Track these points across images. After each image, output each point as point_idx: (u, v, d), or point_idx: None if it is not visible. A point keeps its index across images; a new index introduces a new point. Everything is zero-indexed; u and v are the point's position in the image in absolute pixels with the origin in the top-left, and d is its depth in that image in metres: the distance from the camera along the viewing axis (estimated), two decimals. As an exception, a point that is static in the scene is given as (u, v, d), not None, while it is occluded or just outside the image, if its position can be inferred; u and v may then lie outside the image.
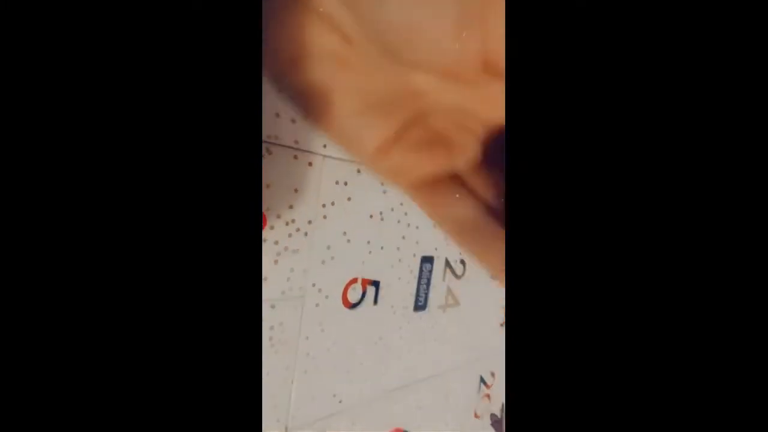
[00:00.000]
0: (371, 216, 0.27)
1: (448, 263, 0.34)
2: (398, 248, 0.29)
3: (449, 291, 0.34)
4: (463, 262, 0.35)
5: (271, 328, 0.23)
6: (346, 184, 0.25)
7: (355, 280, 0.27)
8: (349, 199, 0.25)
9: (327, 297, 0.25)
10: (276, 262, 0.22)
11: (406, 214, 0.29)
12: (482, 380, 0.42)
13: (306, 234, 0.23)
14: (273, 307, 0.22)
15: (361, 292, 0.27)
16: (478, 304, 0.37)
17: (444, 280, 0.33)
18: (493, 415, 0.45)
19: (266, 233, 0.22)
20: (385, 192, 0.28)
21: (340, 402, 0.27)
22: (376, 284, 0.28)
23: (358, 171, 0.26)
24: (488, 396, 0.43)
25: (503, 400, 0.45)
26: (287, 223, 0.22)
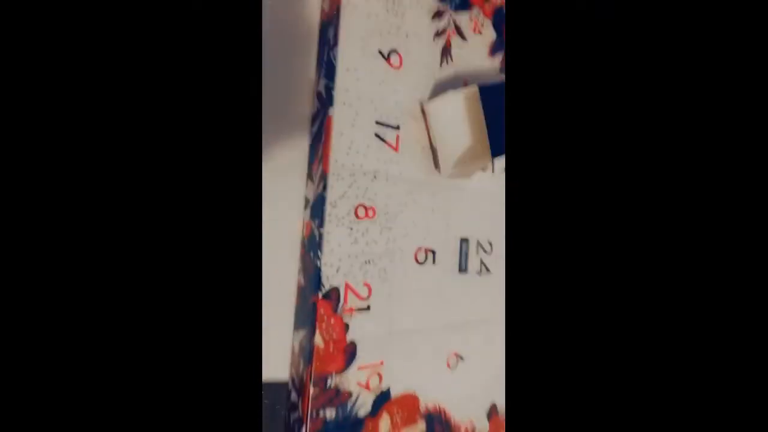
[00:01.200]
0: (431, 211, 0.46)
1: (479, 244, 0.51)
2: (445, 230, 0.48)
3: (482, 262, 0.52)
4: (490, 243, 0.52)
5: (383, 270, 0.42)
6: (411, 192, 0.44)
7: (420, 248, 0.45)
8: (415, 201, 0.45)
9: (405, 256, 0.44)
10: (381, 232, 0.42)
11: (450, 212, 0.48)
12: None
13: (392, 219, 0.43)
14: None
15: (424, 257, 0.46)
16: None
17: (477, 254, 0.51)
18: None
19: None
20: (434, 195, 0.47)
21: (421, 321, 0.45)
22: (434, 252, 0.46)
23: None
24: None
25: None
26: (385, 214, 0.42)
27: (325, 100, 0.40)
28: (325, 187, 0.38)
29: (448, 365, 0.48)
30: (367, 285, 0.41)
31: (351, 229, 0.40)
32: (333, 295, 0.39)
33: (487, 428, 0.52)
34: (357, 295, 0.40)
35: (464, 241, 0.50)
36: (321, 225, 0.38)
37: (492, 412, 0.54)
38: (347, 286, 0.39)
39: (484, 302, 0.52)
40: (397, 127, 0.43)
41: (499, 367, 0.54)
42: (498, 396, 0.54)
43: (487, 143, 0.44)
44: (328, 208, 0.38)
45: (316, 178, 0.40)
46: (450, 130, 0.45)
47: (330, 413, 0.38)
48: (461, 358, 0.50)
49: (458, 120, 0.44)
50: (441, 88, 0.47)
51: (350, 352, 0.40)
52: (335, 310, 0.39)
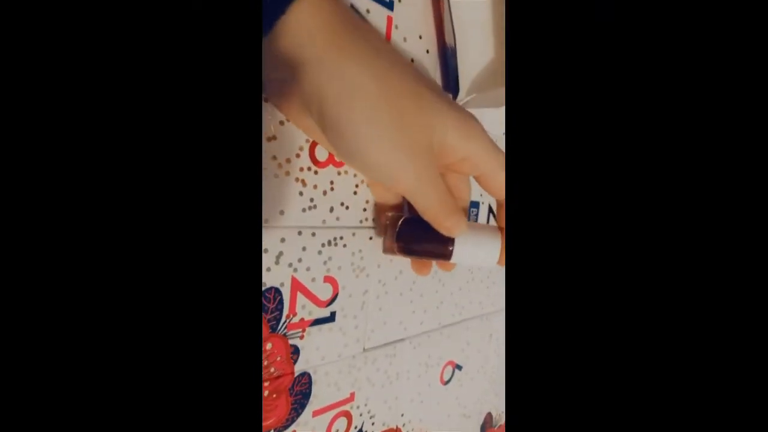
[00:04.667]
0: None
1: (490, 208, 0.36)
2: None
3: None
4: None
5: (353, 253, 0.25)
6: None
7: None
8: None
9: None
10: (355, 193, 0.24)
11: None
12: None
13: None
14: (354, 234, 0.25)
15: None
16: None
17: (488, 222, 0.36)
18: None
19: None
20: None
21: (405, 329, 0.30)
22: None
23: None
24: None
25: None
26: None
27: None
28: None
29: (442, 380, 0.35)
30: (330, 281, 0.24)
31: (303, 183, 0.22)
32: (269, 303, 0.21)
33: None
34: (313, 299, 0.23)
35: (474, 205, 0.34)
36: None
37: (486, 424, 0.42)
38: (295, 284, 0.22)
39: (489, 288, 0.38)
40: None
41: (497, 368, 0.42)
42: (495, 402, 0.43)
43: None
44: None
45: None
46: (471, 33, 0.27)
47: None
48: (458, 367, 0.36)
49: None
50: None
51: (300, 393, 0.24)
52: (274, 327, 0.22)
